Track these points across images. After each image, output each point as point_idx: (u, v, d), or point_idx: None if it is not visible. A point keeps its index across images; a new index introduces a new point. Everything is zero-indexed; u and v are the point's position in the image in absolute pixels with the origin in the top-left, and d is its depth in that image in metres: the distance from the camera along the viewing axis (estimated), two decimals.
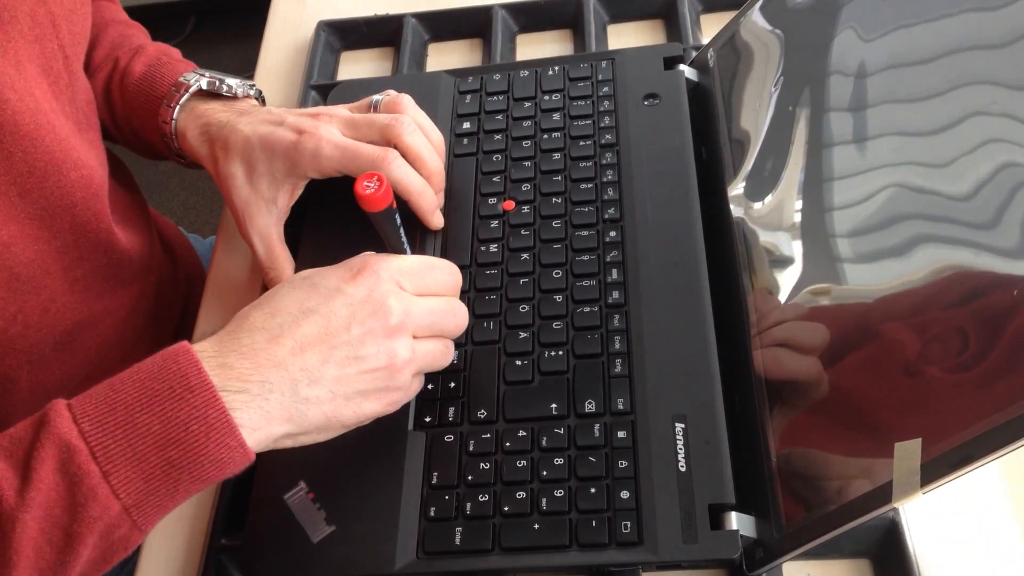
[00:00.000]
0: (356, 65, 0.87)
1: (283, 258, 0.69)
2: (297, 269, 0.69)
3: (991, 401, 0.44)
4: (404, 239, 0.58)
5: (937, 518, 0.56)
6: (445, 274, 0.57)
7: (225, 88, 0.72)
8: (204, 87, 0.71)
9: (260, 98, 0.75)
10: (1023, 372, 0.42)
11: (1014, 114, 0.48)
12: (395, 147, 0.64)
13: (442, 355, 0.56)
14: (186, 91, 0.71)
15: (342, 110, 0.68)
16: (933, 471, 0.45)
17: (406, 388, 0.54)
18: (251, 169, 0.67)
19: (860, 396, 0.51)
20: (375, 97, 0.69)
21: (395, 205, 0.55)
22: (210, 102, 0.72)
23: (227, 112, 0.70)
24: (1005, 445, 0.43)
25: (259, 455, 0.59)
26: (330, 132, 0.65)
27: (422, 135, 0.66)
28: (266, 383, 0.49)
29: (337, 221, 0.71)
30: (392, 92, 0.70)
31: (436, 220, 0.68)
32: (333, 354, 0.50)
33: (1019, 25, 0.49)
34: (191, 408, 0.46)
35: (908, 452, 0.47)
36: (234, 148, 0.67)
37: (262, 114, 0.68)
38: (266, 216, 0.68)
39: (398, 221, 0.56)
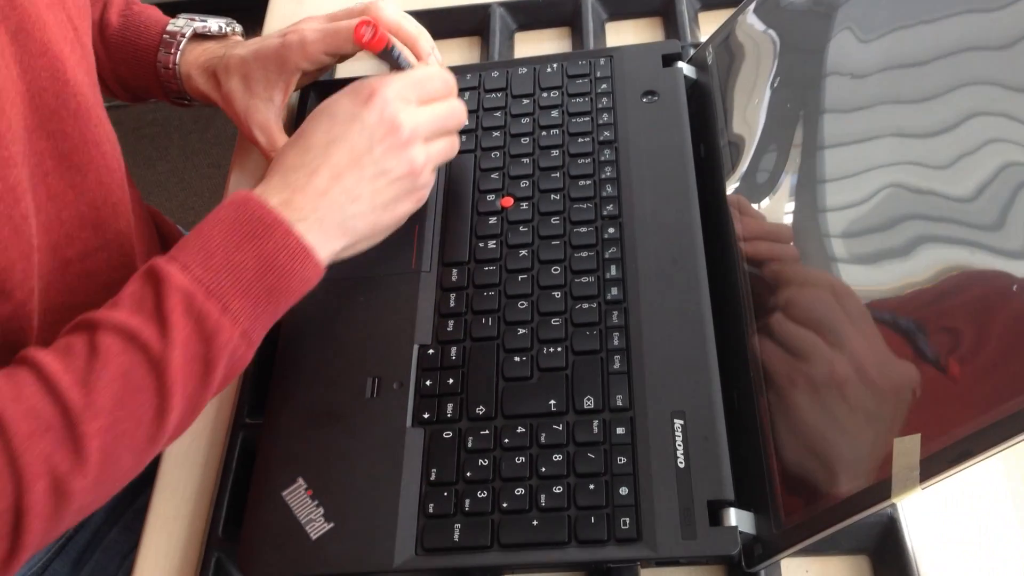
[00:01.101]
0: (355, 63, 0.87)
1: (284, 141, 0.76)
2: None
3: (989, 397, 0.44)
4: (405, 64, 0.66)
5: (936, 515, 0.56)
6: (440, 81, 0.65)
7: (216, 29, 0.80)
8: (198, 31, 0.79)
9: (242, 33, 0.83)
10: (1020, 368, 0.43)
11: (1014, 114, 0.48)
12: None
13: (451, 148, 0.66)
14: (183, 38, 0.78)
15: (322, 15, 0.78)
16: (932, 467, 0.45)
17: (428, 184, 0.64)
18: (247, 79, 0.75)
19: (859, 393, 0.51)
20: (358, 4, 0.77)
21: (391, 43, 0.64)
22: (204, 43, 0.79)
23: (219, 47, 0.79)
24: (1003, 441, 0.43)
25: (256, 453, 0.59)
26: (311, 24, 0.75)
27: (397, 9, 0.75)
28: (319, 210, 0.57)
29: None
30: None
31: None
32: (364, 173, 0.59)
33: (1018, 26, 0.49)
34: (273, 242, 0.54)
35: (907, 448, 0.47)
36: (232, 68, 0.76)
37: (252, 40, 0.78)
38: (264, 112, 0.76)
39: (396, 53, 0.65)
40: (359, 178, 0.59)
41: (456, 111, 0.65)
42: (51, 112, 0.63)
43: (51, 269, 0.65)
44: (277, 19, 0.92)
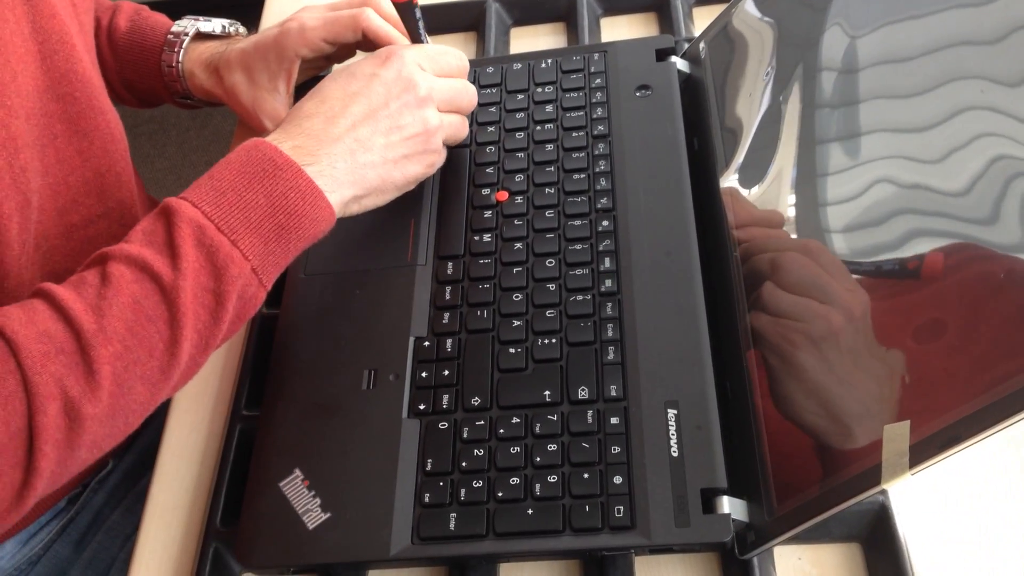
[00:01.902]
0: (352, 59, 0.87)
1: None
2: None
3: (977, 383, 0.44)
4: (423, 34, 0.68)
5: (926, 504, 0.57)
6: (455, 58, 0.67)
7: (219, 29, 0.81)
8: (202, 30, 0.80)
9: (245, 34, 0.84)
10: (1008, 354, 0.43)
11: (1003, 109, 0.48)
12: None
13: (461, 126, 0.67)
14: (186, 36, 0.80)
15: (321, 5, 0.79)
16: (921, 452, 0.46)
17: (439, 151, 0.65)
18: (249, 71, 0.77)
19: (849, 381, 0.51)
20: None
21: (416, 0, 0.65)
22: (206, 42, 0.81)
23: (221, 44, 0.80)
24: (992, 426, 0.43)
25: (254, 444, 0.59)
26: (311, 12, 0.76)
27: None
28: (331, 155, 0.58)
29: None
30: None
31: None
32: (379, 125, 0.60)
33: (1008, 20, 0.49)
34: (284, 182, 0.55)
35: (896, 434, 0.47)
36: (234, 63, 0.77)
37: (254, 36, 0.79)
38: (272, 102, 0.77)
39: (418, 15, 0.66)
40: (373, 130, 0.60)
41: (469, 91, 0.67)
42: (61, 75, 0.65)
43: (56, 233, 0.67)
44: (273, 15, 0.93)
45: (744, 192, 0.63)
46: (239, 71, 0.77)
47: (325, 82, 0.62)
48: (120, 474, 0.81)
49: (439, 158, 0.66)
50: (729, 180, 0.65)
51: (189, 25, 0.80)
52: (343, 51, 0.78)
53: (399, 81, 0.62)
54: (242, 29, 0.83)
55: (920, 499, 0.57)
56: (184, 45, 0.79)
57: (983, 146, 0.48)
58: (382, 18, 0.74)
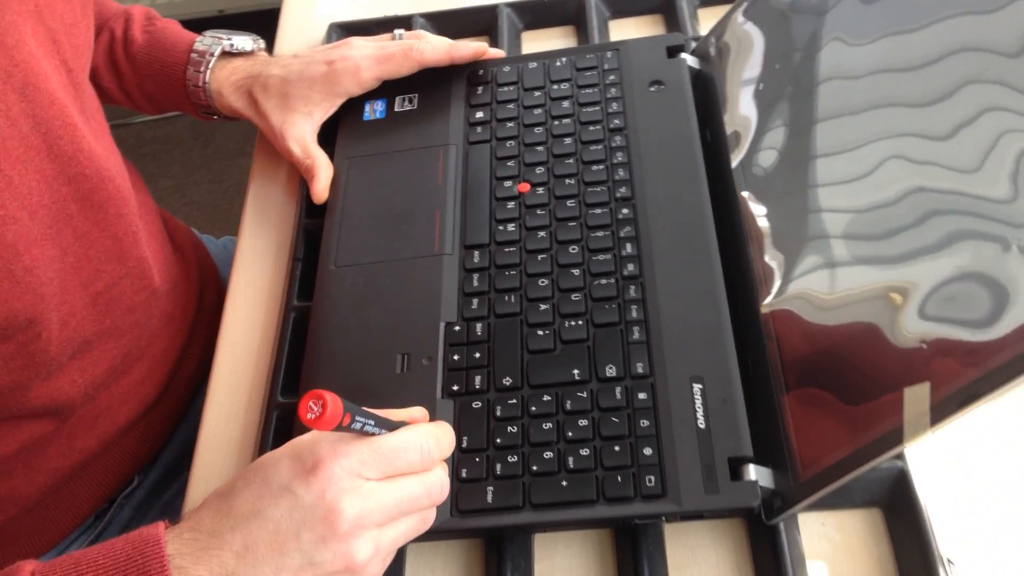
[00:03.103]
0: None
1: (318, 153, 0.77)
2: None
3: (995, 342, 0.47)
4: (375, 430, 0.52)
5: (945, 469, 0.59)
6: (419, 454, 0.52)
7: (241, 47, 0.82)
8: (228, 50, 0.81)
9: (265, 49, 0.85)
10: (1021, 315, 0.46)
11: (1010, 82, 0.51)
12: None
13: (415, 530, 0.54)
14: (212, 57, 0.80)
15: (364, 39, 0.81)
16: (941, 410, 0.48)
17: None
18: (286, 98, 0.77)
19: (867, 350, 0.54)
20: (397, 31, 0.81)
21: (348, 420, 0.48)
22: (232, 61, 0.81)
23: (253, 65, 0.80)
24: (1008, 381, 0.46)
25: (293, 430, 0.60)
26: (359, 51, 0.77)
27: (442, 39, 0.79)
28: None
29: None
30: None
31: (477, 47, 0.79)
32: (285, 562, 0.48)
33: None
34: None
35: (917, 395, 0.50)
36: (272, 87, 0.77)
37: (287, 59, 0.79)
38: (301, 126, 0.77)
39: (358, 425, 0.50)
40: (277, 566, 0.48)
41: (432, 490, 0.53)
42: (69, 158, 0.65)
43: (84, 304, 0.69)
44: (289, 24, 0.95)
45: (757, 178, 0.66)
46: (276, 97, 0.77)
47: (236, 482, 0.51)
48: (146, 489, 0.83)
49: None
50: (742, 168, 0.68)
51: (214, 44, 0.81)
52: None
53: (319, 507, 0.49)
54: (263, 44, 0.85)
55: (937, 465, 0.59)
56: (211, 66, 0.80)
57: (990, 120, 0.51)
58: (433, 46, 0.77)
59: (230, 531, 0.49)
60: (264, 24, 0.99)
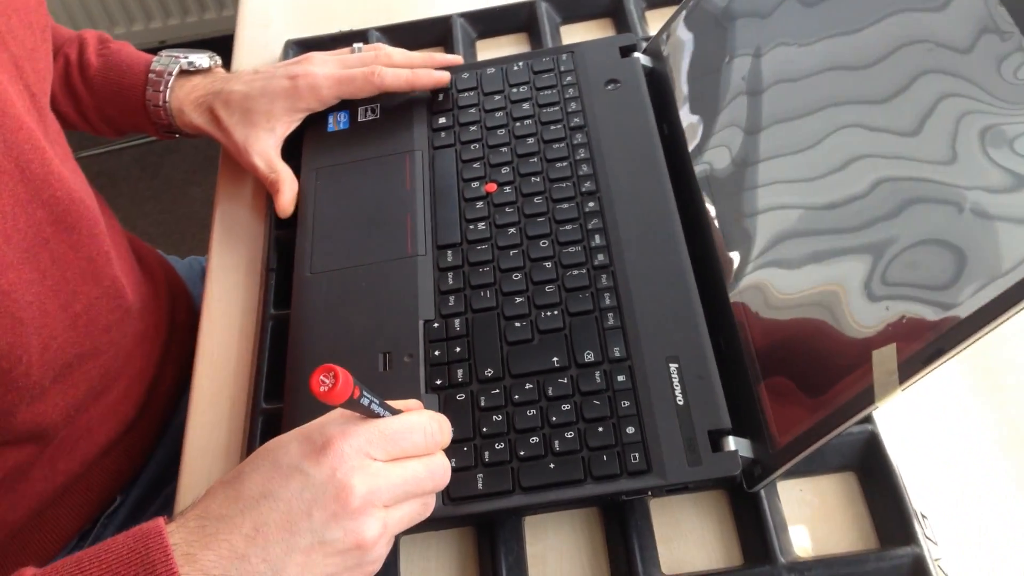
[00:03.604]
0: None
1: (283, 167, 0.78)
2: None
3: (954, 300, 0.49)
4: (380, 409, 0.53)
5: (912, 428, 0.62)
6: (423, 435, 0.53)
7: (199, 64, 0.82)
8: (186, 68, 0.82)
9: (222, 66, 0.86)
10: (979, 271, 0.48)
11: (942, 40, 0.54)
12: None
13: (419, 514, 0.54)
14: (170, 76, 0.81)
15: (325, 54, 0.82)
16: (909, 368, 0.51)
17: (380, 559, 0.53)
18: (249, 113, 0.78)
19: (834, 319, 0.56)
20: (356, 45, 0.83)
21: (357, 393, 0.49)
22: (191, 78, 0.82)
23: (213, 82, 0.81)
24: (969, 337, 0.48)
25: (278, 432, 0.60)
26: (321, 68, 0.78)
27: (403, 51, 0.81)
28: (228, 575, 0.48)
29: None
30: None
31: (439, 76, 0.80)
32: (296, 541, 0.49)
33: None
34: None
35: (885, 356, 0.53)
36: (234, 103, 0.78)
37: (248, 75, 0.80)
38: (264, 141, 0.78)
39: (366, 401, 0.51)
40: (288, 547, 0.49)
41: (435, 474, 0.54)
42: (40, 181, 0.66)
43: (64, 327, 0.69)
44: (245, 44, 0.96)
45: (713, 165, 0.69)
46: (239, 113, 0.78)
47: (245, 467, 0.51)
48: (128, 507, 0.83)
49: (378, 566, 0.53)
50: (699, 156, 0.70)
51: (171, 63, 0.82)
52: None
53: (330, 484, 0.49)
54: (219, 61, 0.86)
55: (906, 426, 0.62)
56: (170, 85, 0.81)
57: (936, 100, 0.54)
58: (395, 68, 0.78)
59: (239, 514, 0.49)
60: (219, 45, 1.00)
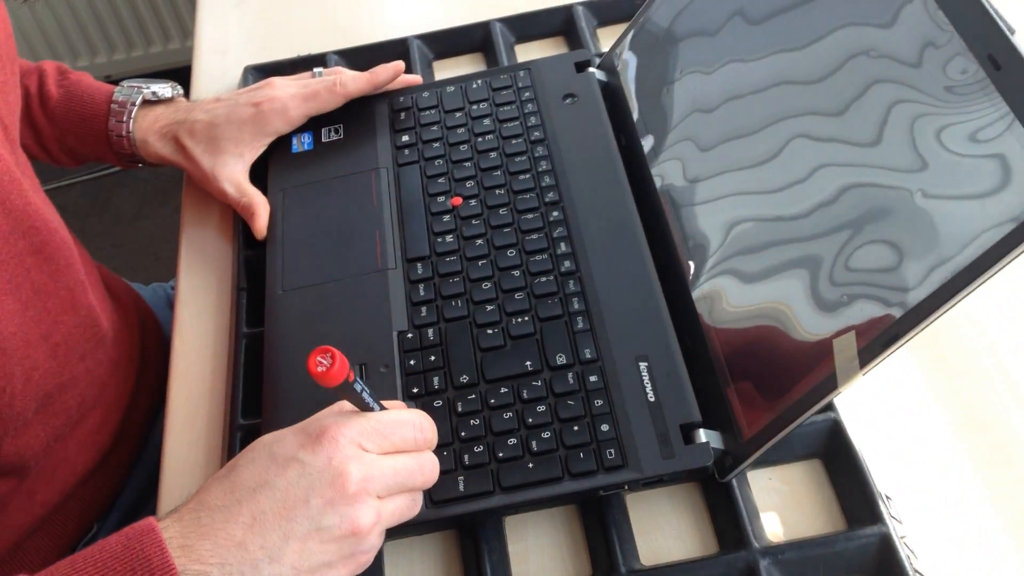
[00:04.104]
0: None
1: (254, 192, 0.79)
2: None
3: (909, 285, 0.52)
4: (371, 401, 0.54)
5: (873, 414, 0.65)
6: (413, 430, 0.55)
7: (161, 94, 0.83)
8: (149, 99, 0.82)
9: (182, 95, 0.86)
10: (930, 261, 0.51)
11: (892, 55, 0.57)
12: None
13: (408, 509, 0.55)
14: (133, 106, 0.81)
15: (286, 78, 0.83)
16: (868, 353, 0.54)
17: (372, 550, 0.53)
18: (215, 141, 0.78)
19: (794, 312, 0.59)
20: (316, 69, 0.84)
21: (352, 376, 0.51)
22: (154, 108, 0.83)
23: (176, 112, 0.82)
24: (922, 321, 0.51)
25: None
26: (284, 90, 0.79)
27: (356, 73, 0.81)
28: (225, 565, 0.48)
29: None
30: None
31: (396, 65, 0.82)
32: (293, 528, 0.49)
33: None
34: None
35: (845, 344, 0.55)
36: (198, 132, 0.79)
37: (210, 103, 0.81)
38: (232, 167, 0.79)
39: (359, 387, 0.53)
40: (285, 534, 0.49)
41: (425, 468, 0.55)
42: (20, 212, 0.67)
43: (45, 357, 0.70)
44: (203, 73, 0.97)
45: (670, 172, 0.71)
46: (204, 141, 0.79)
47: (241, 458, 0.52)
48: (106, 535, 0.82)
49: (371, 556, 0.54)
50: (656, 164, 0.73)
51: (134, 93, 0.82)
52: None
53: (327, 472, 0.50)
54: (181, 90, 0.86)
55: (867, 413, 0.65)
56: (133, 115, 0.81)
57: (878, 98, 0.57)
58: (356, 73, 0.80)
59: (236, 504, 0.50)
60: (178, 76, 1.01)
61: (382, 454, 0.53)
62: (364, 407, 0.54)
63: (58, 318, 0.71)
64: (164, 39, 2.08)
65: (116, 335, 0.82)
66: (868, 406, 0.65)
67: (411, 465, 0.54)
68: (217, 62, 0.98)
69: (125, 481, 0.84)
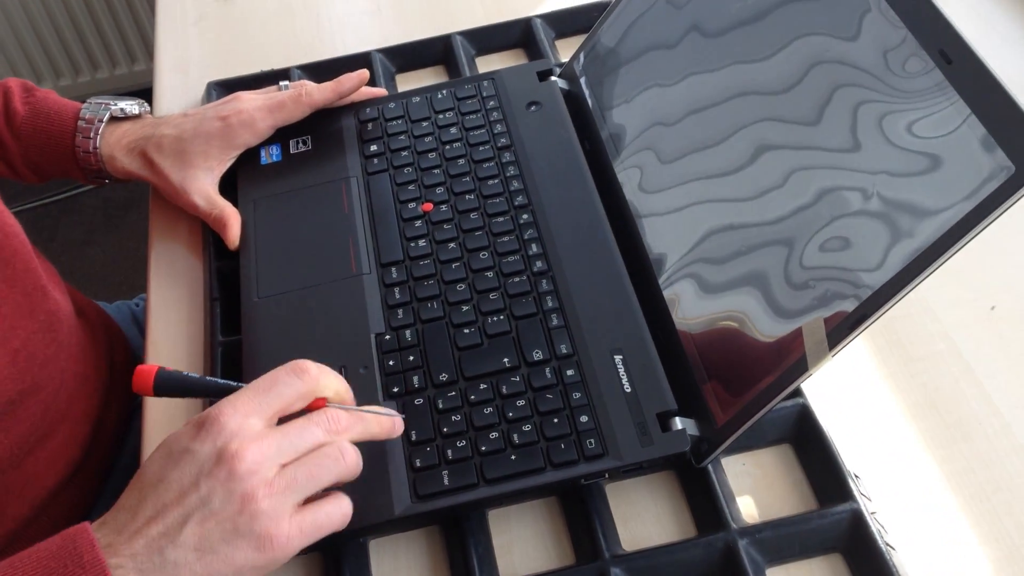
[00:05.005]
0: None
1: (224, 204, 0.79)
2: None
3: (870, 270, 0.55)
4: (220, 380, 0.60)
5: (840, 397, 0.67)
6: (288, 375, 0.56)
7: (128, 111, 0.83)
8: (116, 115, 0.83)
9: (149, 112, 0.87)
10: (887, 245, 0.54)
11: (849, 60, 0.60)
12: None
13: (324, 470, 0.55)
14: (100, 123, 0.81)
15: (251, 92, 0.84)
16: (836, 335, 0.56)
17: (276, 530, 0.52)
18: (183, 155, 0.79)
19: (762, 300, 0.62)
20: (282, 83, 0.85)
21: (156, 370, 0.58)
22: (121, 125, 0.83)
23: (143, 127, 0.82)
24: (885, 303, 0.54)
25: None
26: (251, 103, 0.80)
27: (324, 86, 0.83)
28: (136, 556, 0.51)
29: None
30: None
31: (361, 73, 0.84)
32: (189, 514, 0.52)
33: None
34: None
35: (814, 328, 0.58)
36: (166, 146, 0.79)
37: (177, 119, 0.82)
38: (202, 180, 0.80)
39: (194, 377, 0.60)
40: (183, 519, 0.51)
41: (333, 420, 0.57)
42: None
43: (5, 363, 0.70)
44: (165, 90, 0.98)
45: (633, 173, 0.74)
46: (172, 156, 0.79)
47: (145, 462, 0.55)
48: None
49: (281, 542, 0.53)
50: (620, 165, 0.75)
51: (101, 109, 0.82)
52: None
53: (212, 455, 0.52)
54: (148, 107, 0.86)
55: (834, 396, 0.67)
56: (100, 131, 0.82)
57: (841, 95, 0.60)
58: (320, 87, 0.81)
59: (143, 502, 0.53)
60: (140, 95, 1.01)
61: (273, 421, 0.55)
62: (221, 393, 0.58)
63: (15, 323, 0.71)
64: (129, 60, 2.08)
65: (82, 350, 0.82)
66: (834, 392, 0.68)
67: (302, 421, 0.56)
68: (179, 80, 0.98)
69: (97, 496, 0.83)
